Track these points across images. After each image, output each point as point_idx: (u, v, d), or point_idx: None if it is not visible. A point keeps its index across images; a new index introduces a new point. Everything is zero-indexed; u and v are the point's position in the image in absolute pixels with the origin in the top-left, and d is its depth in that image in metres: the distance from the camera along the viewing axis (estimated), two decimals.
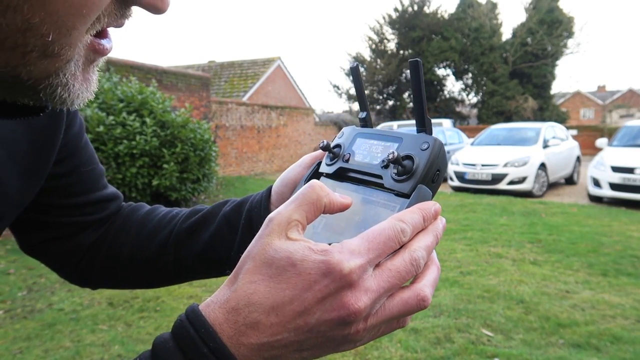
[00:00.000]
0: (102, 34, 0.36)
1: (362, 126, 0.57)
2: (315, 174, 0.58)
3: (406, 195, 0.45)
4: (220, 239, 0.64)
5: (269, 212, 0.61)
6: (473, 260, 4.78)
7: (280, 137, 16.19)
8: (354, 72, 0.56)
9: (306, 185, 0.40)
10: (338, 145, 0.56)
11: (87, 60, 0.35)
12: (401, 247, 0.38)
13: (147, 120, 6.71)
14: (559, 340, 2.98)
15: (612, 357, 2.76)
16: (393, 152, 0.44)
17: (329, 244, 0.37)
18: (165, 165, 6.79)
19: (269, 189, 0.64)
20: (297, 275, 0.35)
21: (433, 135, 0.48)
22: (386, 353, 2.81)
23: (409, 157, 0.46)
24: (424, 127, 0.48)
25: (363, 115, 0.57)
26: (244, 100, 15.85)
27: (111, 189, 0.74)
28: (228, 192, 9.80)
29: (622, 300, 3.64)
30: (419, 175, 0.45)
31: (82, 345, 2.93)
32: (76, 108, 0.37)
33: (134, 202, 0.78)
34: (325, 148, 0.55)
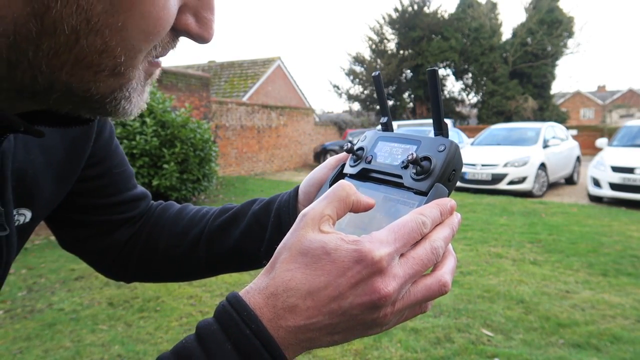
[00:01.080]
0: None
1: (384, 130, 0.61)
2: (340, 175, 0.61)
3: (424, 193, 0.48)
4: (250, 236, 0.68)
5: (296, 210, 0.65)
6: (473, 260, 4.78)
7: (280, 137, 16.19)
8: (376, 80, 0.60)
9: (337, 184, 0.44)
10: (361, 148, 0.59)
11: (147, 74, 0.40)
12: (422, 239, 0.41)
13: (147, 120, 6.70)
14: (559, 340, 2.98)
15: (612, 357, 2.76)
16: (412, 154, 0.48)
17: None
18: (165, 165, 6.78)
19: (297, 189, 0.67)
20: (331, 263, 0.38)
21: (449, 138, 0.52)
22: (386, 353, 2.81)
23: (426, 158, 0.50)
24: (441, 130, 0.52)
25: (384, 120, 0.61)
26: (244, 100, 15.84)
27: (140, 188, 0.79)
28: (228, 192, 9.80)
29: (622, 300, 3.64)
30: (436, 175, 0.48)
31: (82, 345, 2.93)
32: (133, 117, 0.41)
33: (163, 201, 0.83)
34: (349, 150, 0.59)
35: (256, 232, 0.67)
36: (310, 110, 19.16)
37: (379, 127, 0.62)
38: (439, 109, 0.51)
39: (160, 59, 0.41)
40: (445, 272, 0.42)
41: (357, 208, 0.44)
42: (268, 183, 11.74)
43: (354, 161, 0.59)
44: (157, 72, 0.42)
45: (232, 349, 0.36)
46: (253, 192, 9.68)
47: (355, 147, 0.59)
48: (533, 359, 2.73)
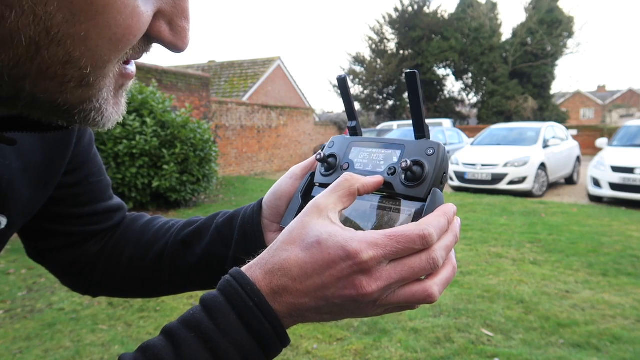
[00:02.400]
0: (126, 60, 0.39)
1: (352, 134, 0.59)
2: (310, 185, 0.59)
3: (421, 200, 0.47)
4: (214, 253, 0.65)
5: (261, 226, 0.63)
6: (473, 260, 4.78)
7: (280, 137, 16.19)
8: (342, 84, 0.57)
9: (341, 177, 0.47)
10: (332, 156, 0.56)
11: (117, 85, 0.38)
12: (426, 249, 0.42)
13: (147, 120, 6.71)
14: (559, 340, 2.98)
15: (612, 357, 2.76)
16: (406, 161, 0.47)
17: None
18: (165, 166, 6.78)
19: (260, 204, 0.64)
20: (320, 254, 0.41)
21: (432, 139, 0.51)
22: (386, 353, 2.81)
23: (418, 163, 0.48)
24: (423, 133, 0.51)
25: (353, 124, 0.58)
26: (244, 100, 15.84)
27: (117, 199, 0.76)
28: (228, 192, 9.79)
29: (622, 300, 3.64)
30: (430, 180, 0.48)
31: (82, 345, 2.93)
32: (107, 129, 0.40)
33: (136, 212, 0.80)
34: (323, 160, 0.56)
35: (219, 249, 0.65)
36: (310, 110, 19.16)
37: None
38: (420, 112, 0.50)
39: (133, 70, 0.40)
40: (435, 283, 0.43)
41: (367, 191, 0.48)
42: (268, 183, 11.73)
43: (326, 170, 0.56)
44: (130, 83, 0.41)
45: (237, 318, 0.40)
46: (253, 192, 9.67)
47: (326, 154, 0.57)
48: (533, 359, 2.73)
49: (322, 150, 0.59)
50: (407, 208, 0.48)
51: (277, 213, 0.62)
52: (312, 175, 0.59)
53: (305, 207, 0.45)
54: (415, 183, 0.48)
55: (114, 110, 0.39)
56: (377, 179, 0.49)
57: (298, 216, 0.45)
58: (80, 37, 0.31)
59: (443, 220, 0.44)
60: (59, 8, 0.30)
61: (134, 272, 0.71)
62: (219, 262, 0.65)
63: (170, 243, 0.69)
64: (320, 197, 0.45)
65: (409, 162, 0.47)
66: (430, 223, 0.42)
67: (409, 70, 0.48)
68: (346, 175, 0.47)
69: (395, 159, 0.51)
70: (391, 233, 0.41)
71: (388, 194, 0.51)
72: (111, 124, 0.39)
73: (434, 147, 0.49)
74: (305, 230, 0.42)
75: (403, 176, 0.49)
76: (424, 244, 0.41)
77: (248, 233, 0.63)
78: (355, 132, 0.58)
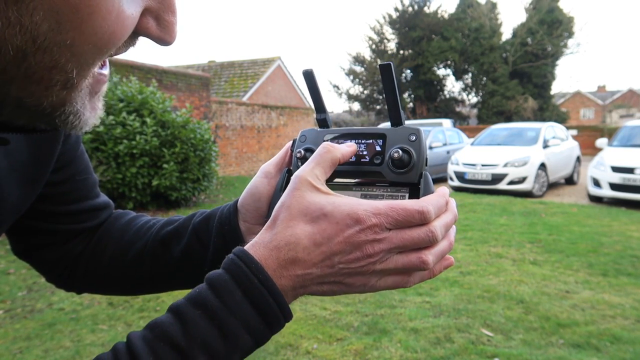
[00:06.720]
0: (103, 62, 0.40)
1: (322, 127, 0.59)
2: (289, 182, 0.58)
3: (412, 184, 0.50)
4: (192, 253, 0.65)
5: (239, 231, 0.62)
6: (473, 260, 4.78)
7: (280, 137, 16.19)
8: (308, 77, 0.57)
9: (320, 146, 0.49)
10: (309, 150, 0.56)
11: (92, 91, 0.39)
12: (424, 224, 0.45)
13: (148, 120, 6.71)
14: (559, 340, 2.98)
15: (612, 357, 2.76)
16: (398, 151, 0.49)
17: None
18: (165, 165, 6.78)
19: (235, 205, 0.64)
20: (329, 224, 0.43)
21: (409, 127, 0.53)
22: (386, 353, 2.81)
23: (404, 150, 0.50)
24: (400, 121, 0.53)
25: (322, 116, 0.58)
26: (244, 100, 15.84)
27: (103, 197, 0.75)
28: (228, 192, 9.79)
29: (622, 300, 3.64)
30: (420, 165, 0.50)
31: (82, 345, 2.93)
32: (84, 132, 0.41)
33: (121, 210, 0.79)
34: (303, 157, 0.56)
35: (197, 250, 0.64)
36: (310, 110, 19.15)
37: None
38: (396, 102, 0.52)
39: (106, 73, 0.40)
40: (430, 253, 0.45)
41: (346, 159, 0.50)
42: None
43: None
44: (104, 87, 0.41)
45: (243, 295, 0.41)
46: None
47: (301, 149, 0.56)
48: (533, 359, 2.73)
49: (293, 146, 0.59)
50: (400, 193, 0.50)
51: (258, 215, 0.61)
52: (288, 171, 0.59)
53: (292, 181, 0.46)
54: (405, 169, 0.50)
55: (91, 115, 0.40)
56: (353, 147, 0.51)
57: (288, 191, 0.46)
58: (66, 44, 0.32)
59: (442, 200, 0.47)
60: (44, 18, 0.30)
61: (116, 270, 0.71)
62: (198, 263, 0.64)
63: (150, 242, 0.68)
64: (306, 170, 0.46)
65: (400, 151, 0.49)
66: (430, 201, 0.45)
67: (383, 63, 0.49)
68: (327, 145, 0.49)
69: (378, 148, 0.52)
70: (393, 205, 0.44)
71: (376, 183, 0.52)
72: (88, 127, 0.41)
73: (415, 133, 0.51)
74: (305, 205, 0.44)
75: (391, 164, 0.51)
76: (421, 220, 0.44)
77: (227, 236, 0.62)
78: (325, 124, 0.59)
